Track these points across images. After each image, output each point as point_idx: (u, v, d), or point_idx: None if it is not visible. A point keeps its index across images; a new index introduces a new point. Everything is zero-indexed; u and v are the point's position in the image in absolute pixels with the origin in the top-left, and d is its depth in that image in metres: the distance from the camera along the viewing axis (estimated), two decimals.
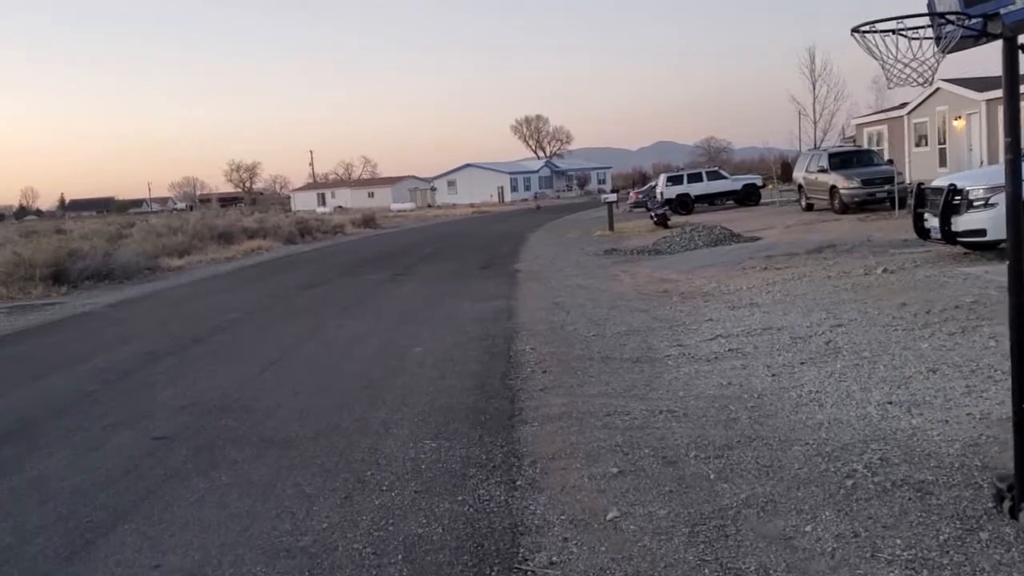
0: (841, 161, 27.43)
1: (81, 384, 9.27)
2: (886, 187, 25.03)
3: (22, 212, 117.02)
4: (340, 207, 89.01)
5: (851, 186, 25.62)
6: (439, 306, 14.11)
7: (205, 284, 21.05)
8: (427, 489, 5.37)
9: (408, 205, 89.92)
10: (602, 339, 10.03)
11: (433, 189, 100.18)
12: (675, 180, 39.18)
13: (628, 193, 52.74)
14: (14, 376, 10.24)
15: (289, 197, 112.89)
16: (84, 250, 23.59)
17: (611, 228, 30.26)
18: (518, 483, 5.40)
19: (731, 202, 38.95)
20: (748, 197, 38.41)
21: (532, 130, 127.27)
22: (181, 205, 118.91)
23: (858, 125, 42.81)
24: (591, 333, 10.43)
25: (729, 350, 8.74)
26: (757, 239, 21.03)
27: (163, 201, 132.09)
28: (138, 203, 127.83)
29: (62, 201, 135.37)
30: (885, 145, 37.60)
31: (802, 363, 7.84)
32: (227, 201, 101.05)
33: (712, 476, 5.21)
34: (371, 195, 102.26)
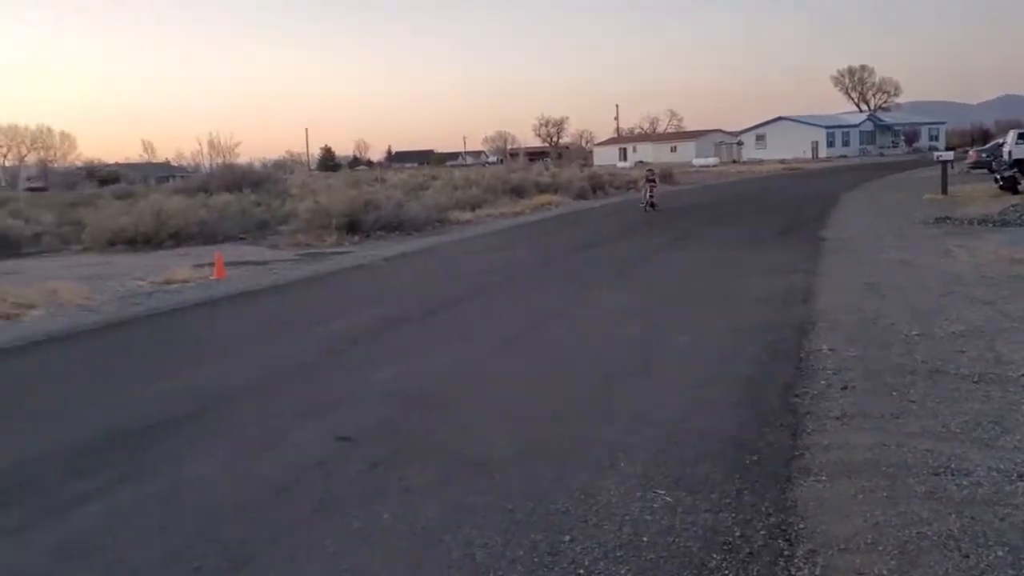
0: None
1: (303, 353, 8.49)
2: None
3: (355, 162, 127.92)
4: (640, 162, 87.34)
5: None
6: (719, 280, 12.03)
7: (483, 240, 20.44)
8: None
9: (711, 160, 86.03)
10: (930, 341, 7.55)
11: (739, 144, 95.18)
12: None
13: (966, 152, 45.71)
14: (242, 339, 9.78)
15: (591, 152, 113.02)
16: (379, 201, 24.02)
17: (944, 191, 25.71)
18: None
19: None
20: None
21: (855, 81, 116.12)
22: (492, 159, 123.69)
23: None
24: (914, 331, 7.95)
25: None
26: None
27: (476, 154, 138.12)
28: (454, 156, 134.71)
29: (389, 153, 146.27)
30: None
31: None
32: (534, 155, 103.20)
33: None
34: (673, 150, 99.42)
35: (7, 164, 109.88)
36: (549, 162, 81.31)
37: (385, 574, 3.82)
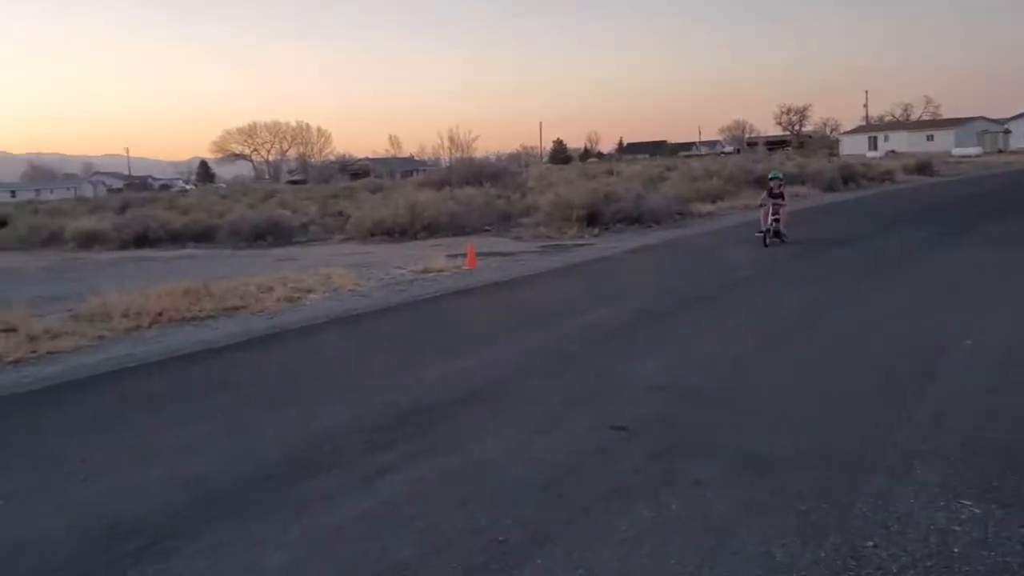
0: None
1: (562, 342, 8.69)
2: None
3: (585, 154, 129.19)
4: (892, 152, 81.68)
5: None
6: (1003, 281, 11.02)
7: (727, 233, 19.96)
8: None
9: (973, 150, 78.85)
10: None
11: (1007, 132, 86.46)
12: None
13: None
14: (502, 326, 10.15)
15: (837, 141, 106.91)
16: (618, 193, 24.11)
17: None
18: None
19: None
20: None
21: None
22: (728, 148, 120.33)
23: None
24: None
25: None
26: None
27: (711, 144, 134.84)
28: (687, 146, 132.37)
29: (620, 144, 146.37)
30: None
31: None
32: (773, 145, 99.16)
33: None
34: (930, 138, 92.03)
35: (271, 159, 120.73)
36: (790, 152, 77.91)
37: (682, 563, 3.85)
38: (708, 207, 26.31)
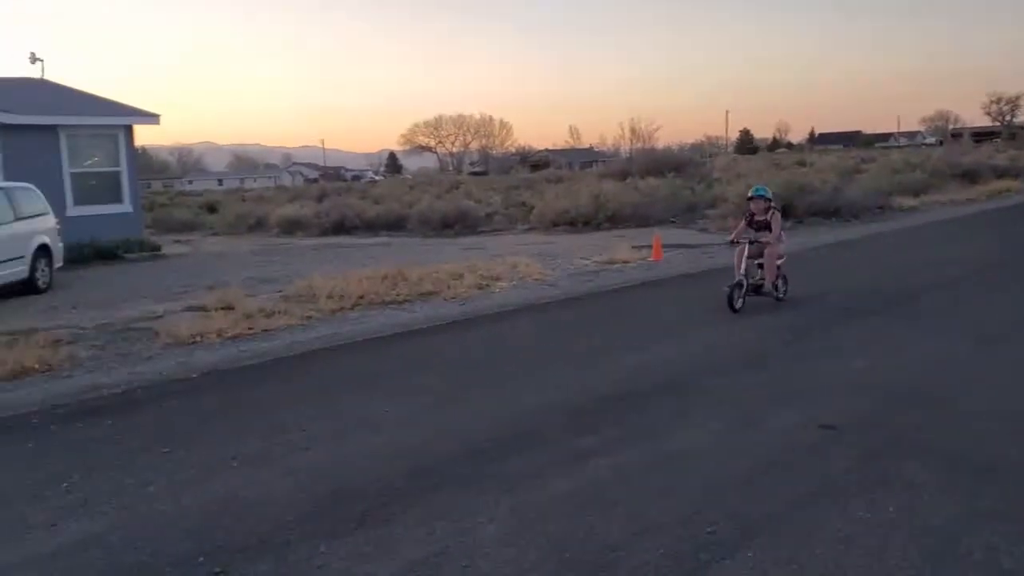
0: None
1: (757, 336, 8.46)
2: None
3: (774, 145, 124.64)
4: None
5: None
6: None
7: (933, 229, 18.74)
8: None
9: None
10: None
11: None
12: None
13: None
14: (690, 317, 9.97)
15: None
16: (813, 185, 23.11)
17: None
18: None
19: None
20: None
21: None
22: (930, 139, 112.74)
23: None
24: None
25: None
26: None
27: (911, 135, 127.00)
28: (884, 137, 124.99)
29: (811, 135, 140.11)
30: None
31: None
32: (980, 136, 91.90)
33: None
34: None
35: (454, 151, 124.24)
36: (999, 143, 71.98)
37: (902, 565, 3.68)
38: (911, 201, 24.77)
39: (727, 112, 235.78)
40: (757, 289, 10.14)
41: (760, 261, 10.12)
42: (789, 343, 8.24)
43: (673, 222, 22.95)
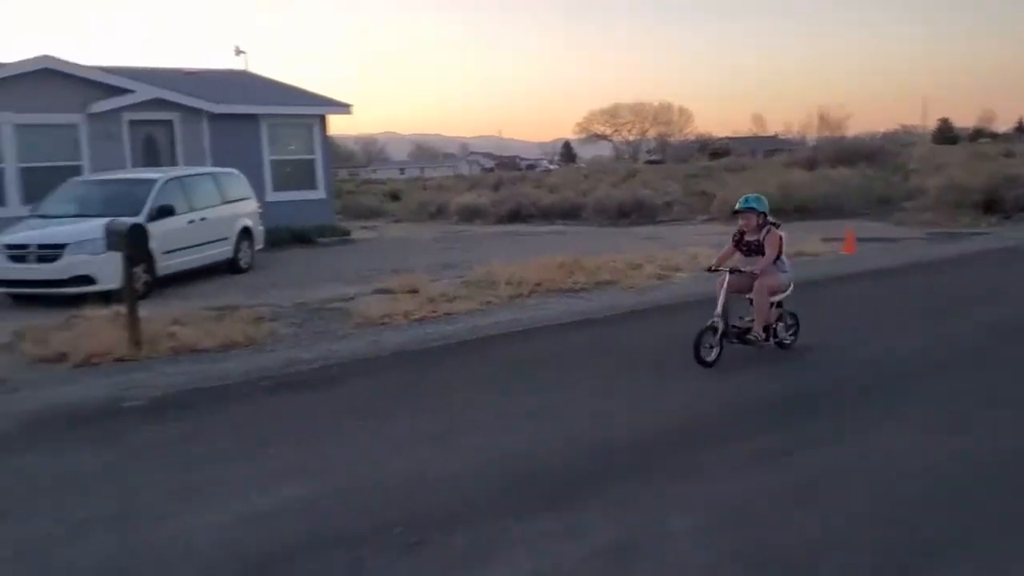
0: None
1: (969, 336, 7.85)
2: None
3: (976, 134, 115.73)
4: None
5: None
6: None
7: None
8: None
9: None
10: None
11: None
12: None
13: None
14: (891, 315, 9.41)
15: None
16: (1022, 177, 21.25)
17: None
18: None
19: None
20: None
21: None
22: None
23: None
24: None
25: None
26: None
27: None
28: None
29: (1019, 124, 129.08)
30: None
31: None
32: None
33: None
34: None
35: (631, 139, 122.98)
36: None
37: None
38: None
39: (923, 99, 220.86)
40: (742, 335, 7.50)
41: (749, 296, 7.53)
42: (1008, 340, 7.61)
43: (866, 215, 21.75)
